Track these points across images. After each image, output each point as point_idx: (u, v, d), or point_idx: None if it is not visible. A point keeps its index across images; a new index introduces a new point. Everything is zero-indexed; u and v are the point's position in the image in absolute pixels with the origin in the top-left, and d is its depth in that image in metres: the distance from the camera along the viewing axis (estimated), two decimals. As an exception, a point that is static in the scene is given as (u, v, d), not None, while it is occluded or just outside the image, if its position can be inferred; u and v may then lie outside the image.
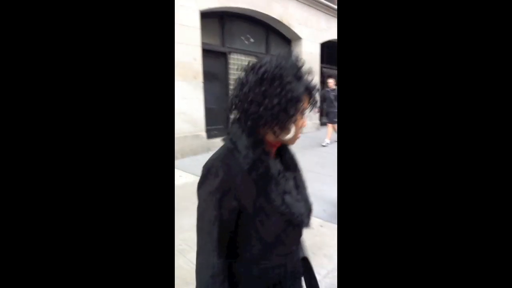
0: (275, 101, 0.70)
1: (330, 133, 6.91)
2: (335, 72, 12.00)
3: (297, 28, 8.47)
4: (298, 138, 0.80)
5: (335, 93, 6.73)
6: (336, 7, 9.95)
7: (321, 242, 2.54)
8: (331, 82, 7.04)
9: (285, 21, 8.03)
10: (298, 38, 8.73)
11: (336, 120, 6.65)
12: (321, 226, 2.86)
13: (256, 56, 7.76)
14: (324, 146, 6.71)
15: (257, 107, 0.71)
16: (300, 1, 8.51)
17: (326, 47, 10.01)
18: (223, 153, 0.77)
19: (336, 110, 6.55)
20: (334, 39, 10.42)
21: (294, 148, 0.90)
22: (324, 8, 9.45)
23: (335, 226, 2.83)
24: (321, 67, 9.98)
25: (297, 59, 0.76)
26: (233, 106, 0.77)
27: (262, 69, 0.72)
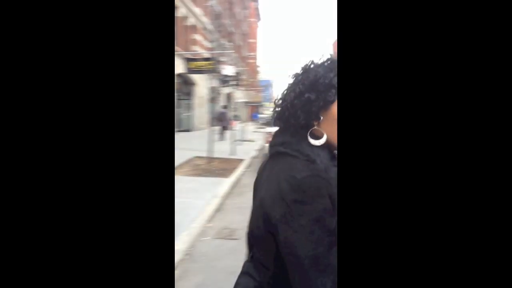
0: (305, 96, 0.67)
1: None
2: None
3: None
4: None
5: None
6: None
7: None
8: None
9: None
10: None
11: None
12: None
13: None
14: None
15: (293, 108, 0.68)
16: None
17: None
18: (309, 167, 0.64)
19: None
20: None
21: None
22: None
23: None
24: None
25: (327, 57, 0.72)
26: (277, 115, 0.74)
27: (293, 75, 0.74)
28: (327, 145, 0.68)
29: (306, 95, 0.67)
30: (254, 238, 0.74)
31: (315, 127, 0.68)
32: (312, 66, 0.71)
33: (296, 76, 0.72)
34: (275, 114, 0.74)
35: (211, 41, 18.44)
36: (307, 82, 0.68)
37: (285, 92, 0.73)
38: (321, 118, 0.67)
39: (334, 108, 0.67)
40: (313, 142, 0.67)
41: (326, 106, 0.67)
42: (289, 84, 0.73)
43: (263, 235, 0.68)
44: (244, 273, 0.77)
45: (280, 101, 0.73)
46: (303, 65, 0.73)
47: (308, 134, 0.68)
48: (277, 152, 0.71)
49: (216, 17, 20.17)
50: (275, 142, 0.72)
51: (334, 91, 0.67)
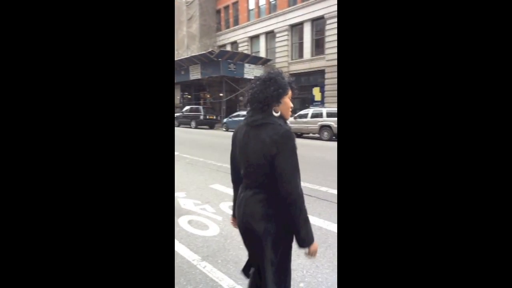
0: (272, 88, 1.29)
1: None
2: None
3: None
4: (290, 115, 1.40)
5: None
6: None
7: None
8: None
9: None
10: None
11: None
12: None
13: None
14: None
15: (264, 95, 1.30)
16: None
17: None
18: (282, 127, 1.28)
19: None
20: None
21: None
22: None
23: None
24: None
25: (280, 70, 1.41)
26: (250, 101, 1.35)
27: (263, 77, 1.36)
28: (281, 116, 1.35)
29: (278, 91, 1.30)
30: (255, 169, 1.31)
31: (275, 106, 1.31)
32: (275, 76, 1.34)
33: (267, 80, 1.33)
34: (253, 99, 1.33)
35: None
36: (275, 85, 1.31)
37: (259, 88, 1.32)
38: (281, 102, 1.32)
39: (284, 97, 1.33)
40: (276, 114, 1.32)
41: (283, 96, 1.32)
42: (259, 82, 1.34)
43: (262, 165, 1.27)
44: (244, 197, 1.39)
45: (258, 93, 1.31)
46: (269, 74, 1.36)
47: (272, 110, 1.31)
48: (261, 123, 1.30)
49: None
50: (257, 118, 1.31)
51: (286, 88, 1.33)
